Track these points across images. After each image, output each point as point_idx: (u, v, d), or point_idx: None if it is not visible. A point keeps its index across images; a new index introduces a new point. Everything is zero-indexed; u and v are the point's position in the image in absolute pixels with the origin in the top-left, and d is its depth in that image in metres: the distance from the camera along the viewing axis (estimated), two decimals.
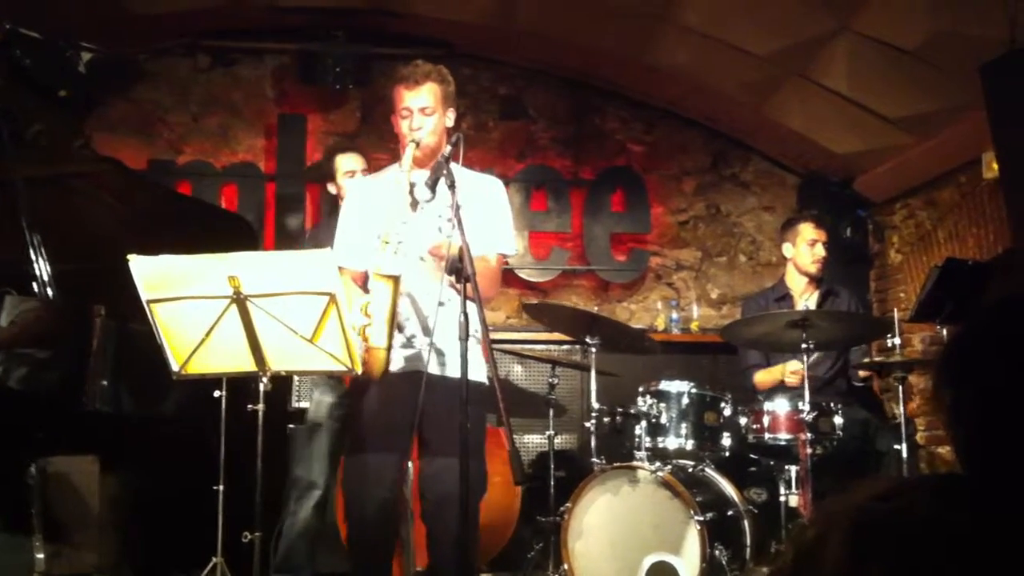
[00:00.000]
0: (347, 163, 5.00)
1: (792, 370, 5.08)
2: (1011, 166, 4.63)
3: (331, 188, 5.02)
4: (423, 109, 3.64)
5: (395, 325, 3.41)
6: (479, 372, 3.60)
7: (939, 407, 1.12)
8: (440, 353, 3.59)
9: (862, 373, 5.28)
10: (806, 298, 5.34)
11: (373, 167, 4.88)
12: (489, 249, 3.68)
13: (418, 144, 3.58)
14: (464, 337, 3.24)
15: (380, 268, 3.34)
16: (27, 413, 3.77)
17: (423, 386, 3.42)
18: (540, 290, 6.62)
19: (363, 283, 3.69)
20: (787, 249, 5.46)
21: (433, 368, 3.55)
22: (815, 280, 5.36)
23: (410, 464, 3.78)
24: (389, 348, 3.37)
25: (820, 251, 5.32)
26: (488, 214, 3.71)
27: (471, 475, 3.27)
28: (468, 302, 3.24)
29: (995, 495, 0.99)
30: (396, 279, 3.34)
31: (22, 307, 3.73)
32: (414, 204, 3.50)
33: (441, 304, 3.52)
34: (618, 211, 6.70)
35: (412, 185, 3.47)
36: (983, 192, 5.40)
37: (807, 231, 5.35)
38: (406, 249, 3.42)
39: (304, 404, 5.37)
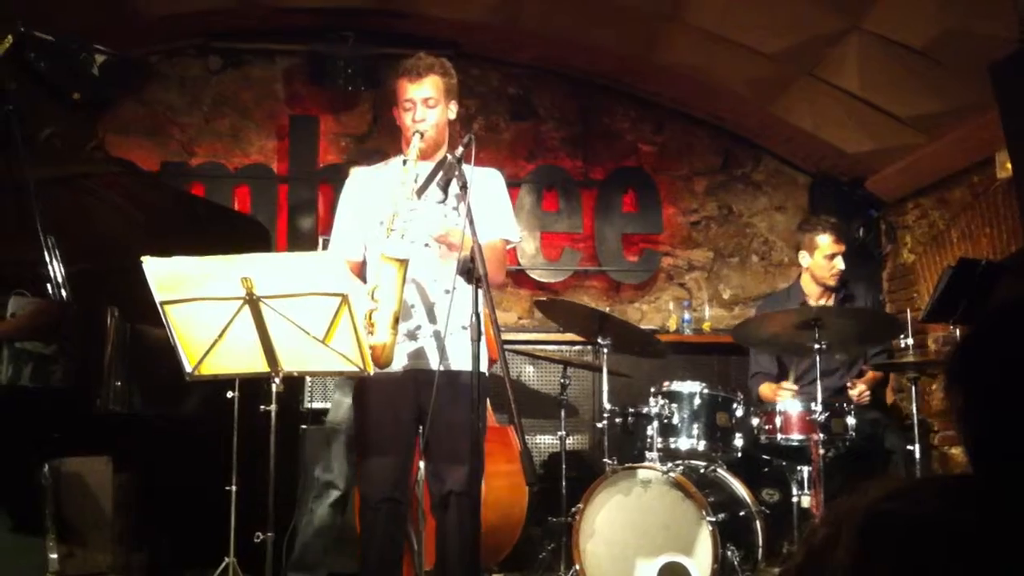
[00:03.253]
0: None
1: (785, 388, 5.06)
2: None
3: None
4: (426, 100, 3.66)
5: (400, 314, 3.40)
6: (482, 362, 3.60)
7: (950, 407, 1.12)
8: (444, 346, 3.60)
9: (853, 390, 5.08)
10: (822, 304, 5.30)
11: None
12: (494, 237, 3.72)
13: (423, 135, 3.60)
14: (476, 338, 3.26)
15: (388, 251, 3.34)
16: (41, 413, 3.79)
17: (435, 387, 3.43)
18: (552, 291, 6.62)
19: (359, 273, 3.72)
20: (803, 258, 5.35)
21: (437, 362, 3.56)
22: (832, 288, 5.32)
23: (421, 464, 3.79)
24: (394, 336, 3.37)
25: (839, 264, 5.23)
26: (490, 203, 3.74)
27: (472, 471, 3.29)
28: (479, 301, 3.25)
29: (1003, 495, 0.99)
30: (404, 262, 3.35)
31: (24, 302, 3.75)
32: (419, 193, 3.52)
33: (447, 292, 3.53)
34: (629, 211, 6.70)
35: (416, 176, 3.49)
36: (996, 191, 5.38)
37: (826, 245, 5.24)
38: (412, 235, 3.44)
39: (316, 405, 5.39)
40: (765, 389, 5.28)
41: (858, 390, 4.92)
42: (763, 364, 5.45)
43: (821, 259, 5.25)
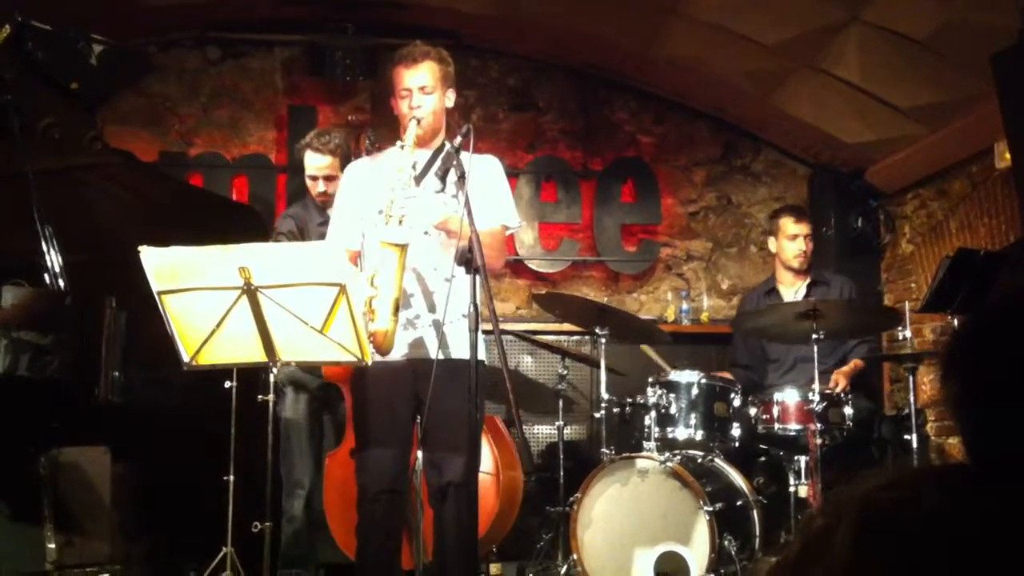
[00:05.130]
0: (312, 162, 4.92)
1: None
2: (1023, 156, 4.61)
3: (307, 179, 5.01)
4: (422, 88, 3.66)
5: (400, 300, 3.40)
6: (480, 350, 3.60)
7: (946, 398, 1.12)
8: (443, 334, 3.60)
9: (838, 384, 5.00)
10: (794, 290, 5.37)
11: None
12: (494, 224, 3.72)
13: (419, 122, 3.59)
14: (474, 328, 3.26)
15: (387, 237, 3.34)
16: (39, 404, 3.79)
17: (432, 377, 3.43)
18: (550, 281, 6.62)
19: (356, 263, 3.72)
20: (771, 244, 5.55)
21: (436, 350, 3.56)
22: (802, 271, 5.39)
23: (419, 453, 3.79)
24: (395, 322, 3.37)
25: (800, 245, 5.35)
26: (488, 190, 3.74)
27: (470, 462, 3.29)
28: (477, 291, 3.25)
29: (999, 487, 0.99)
30: (404, 248, 3.34)
31: (21, 292, 3.75)
32: (417, 180, 3.52)
33: (447, 280, 3.53)
34: (628, 202, 6.70)
35: (414, 163, 3.49)
36: (995, 182, 5.38)
37: (787, 226, 5.40)
38: (411, 222, 3.43)
39: None
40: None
41: (841, 386, 4.89)
42: (740, 356, 5.55)
43: (784, 241, 5.41)
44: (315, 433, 4.88)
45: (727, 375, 5.27)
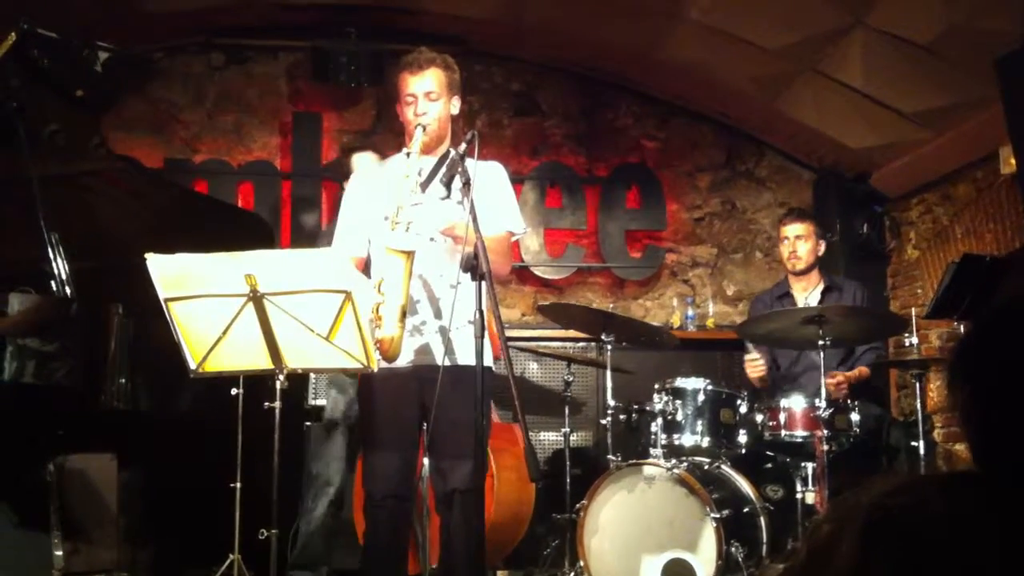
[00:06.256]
0: (363, 163, 5.00)
1: (749, 359, 5.16)
2: None
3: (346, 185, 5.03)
4: (428, 94, 3.65)
5: (407, 307, 3.40)
6: (486, 358, 3.59)
7: (953, 405, 1.12)
8: (449, 340, 3.59)
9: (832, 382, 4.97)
10: (807, 295, 5.34)
11: None
12: (499, 230, 3.71)
13: (425, 128, 3.58)
14: (480, 334, 3.25)
15: (393, 243, 3.34)
16: (45, 411, 3.79)
17: (438, 383, 3.42)
18: (556, 287, 6.62)
19: (363, 269, 3.71)
20: (779, 249, 5.57)
21: (442, 357, 3.56)
22: (814, 276, 5.37)
23: (425, 460, 3.79)
24: (402, 329, 3.37)
25: (790, 247, 5.34)
26: (493, 196, 3.73)
27: (476, 468, 3.29)
28: (482, 297, 3.25)
29: (1006, 493, 0.99)
30: (410, 254, 3.34)
31: (27, 299, 3.76)
32: (423, 187, 3.52)
33: (453, 287, 3.53)
34: (633, 208, 6.70)
35: (420, 170, 3.49)
36: (1000, 187, 5.38)
37: (781, 231, 5.45)
38: (417, 229, 3.43)
39: (320, 401, 5.39)
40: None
41: (836, 380, 4.89)
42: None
43: (782, 245, 5.42)
44: (352, 436, 4.91)
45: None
